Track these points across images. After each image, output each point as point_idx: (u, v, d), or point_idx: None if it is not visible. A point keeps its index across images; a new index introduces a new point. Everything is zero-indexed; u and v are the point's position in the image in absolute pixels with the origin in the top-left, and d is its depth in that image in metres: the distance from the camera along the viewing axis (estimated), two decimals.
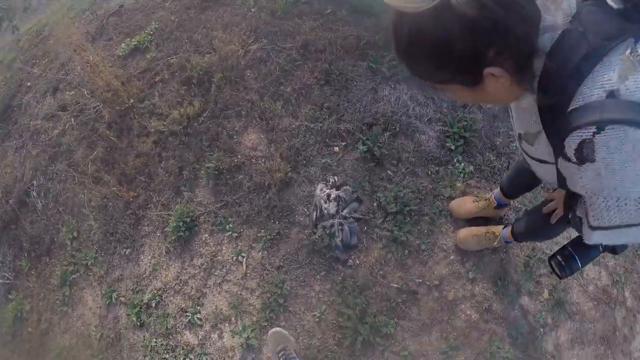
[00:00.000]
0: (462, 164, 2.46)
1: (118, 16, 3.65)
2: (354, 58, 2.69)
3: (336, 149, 2.42)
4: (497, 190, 1.92)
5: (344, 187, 2.26)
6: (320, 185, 2.25)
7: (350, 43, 2.72)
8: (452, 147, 2.51)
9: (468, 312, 2.22)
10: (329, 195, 2.20)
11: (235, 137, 2.57)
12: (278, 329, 2.09)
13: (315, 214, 2.16)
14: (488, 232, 1.96)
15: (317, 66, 2.65)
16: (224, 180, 2.47)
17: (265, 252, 2.28)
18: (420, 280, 2.27)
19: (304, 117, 2.48)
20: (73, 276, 2.59)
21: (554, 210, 1.32)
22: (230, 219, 2.39)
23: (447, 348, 2.12)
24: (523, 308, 2.19)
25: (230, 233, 2.36)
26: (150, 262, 2.55)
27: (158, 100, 2.96)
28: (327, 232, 2.17)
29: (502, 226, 1.90)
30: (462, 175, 2.39)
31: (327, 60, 2.65)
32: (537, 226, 1.53)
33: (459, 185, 2.41)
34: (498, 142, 2.50)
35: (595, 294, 2.20)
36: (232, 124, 2.62)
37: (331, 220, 2.14)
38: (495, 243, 1.90)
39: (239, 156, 2.48)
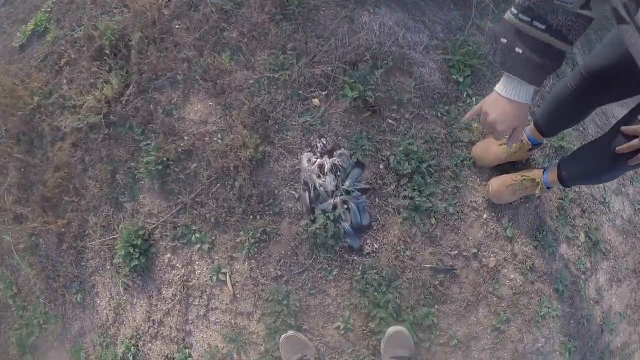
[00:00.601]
0: (474, 99, 1.91)
1: (9, 4, 2.78)
2: None
3: (315, 100, 1.76)
4: (529, 127, 1.57)
5: (339, 152, 1.63)
6: (306, 155, 1.62)
7: None
8: (460, 79, 1.93)
9: (512, 276, 1.76)
10: (321, 167, 1.58)
11: (174, 112, 1.85)
12: (292, 332, 1.57)
13: (307, 195, 1.54)
14: (525, 179, 1.57)
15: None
16: (173, 175, 1.78)
17: (253, 262, 1.65)
18: (456, 252, 1.74)
19: (263, 67, 1.79)
20: (30, 340, 2.05)
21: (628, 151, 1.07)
22: (194, 227, 1.72)
23: (498, 323, 1.72)
24: (564, 257, 1.83)
25: (199, 245, 1.71)
26: (109, 306, 1.90)
27: (67, 88, 2.18)
28: (329, 216, 1.56)
29: (541, 170, 1.57)
30: None
31: None
32: (595, 168, 1.27)
33: (475, 125, 1.85)
34: None
35: (622, 227, 2.02)
36: (167, 95, 1.90)
37: (331, 200, 1.53)
38: (536, 191, 1.56)
39: (186, 137, 1.78)
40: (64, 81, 2.22)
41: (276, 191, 1.65)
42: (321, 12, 1.96)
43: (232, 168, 1.65)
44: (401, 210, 1.67)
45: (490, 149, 1.66)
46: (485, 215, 1.80)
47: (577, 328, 1.85)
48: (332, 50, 1.87)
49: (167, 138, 1.82)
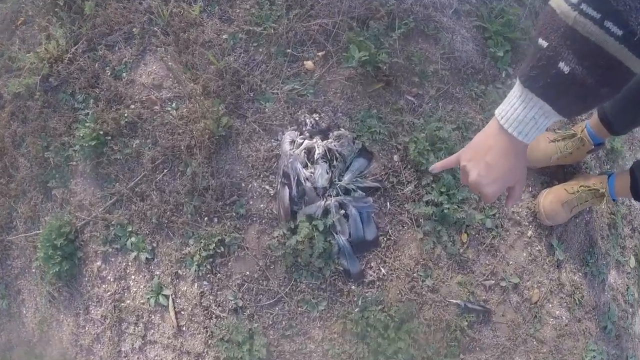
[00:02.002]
0: (515, 80, 1.37)
1: None
2: None
3: (309, 63, 1.25)
4: (591, 122, 1.19)
5: (337, 133, 1.11)
6: (289, 135, 1.10)
7: None
8: (499, 54, 1.43)
9: (557, 312, 1.29)
10: (310, 152, 1.07)
11: (124, 74, 1.36)
12: None
13: (287, 192, 1.02)
14: (584, 189, 1.17)
15: None
16: (111, 154, 1.27)
17: (205, 284, 1.13)
18: (493, 282, 1.22)
19: (243, 19, 1.29)
20: None
21: None
22: (130, 228, 1.21)
23: None
24: (613, 287, 1.41)
25: (135, 254, 1.20)
26: (35, 319, 1.45)
27: (18, 49, 1.75)
28: (318, 225, 1.05)
29: (603, 177, 1.19)
30: None
31: None
32: None
33: None
34: None
35: None
36: (119, 54, 1.40)
37: (322, 201, 1.01)
38: (602, 204, 1.25)
39: (132, 106, 1.28)
40: (17, 41, 1.79)
41: (243, 184, 1.13)
42: None
43: (184, 148, 1.13)
44: (422, 221, 1.14)
45: (539, 146, 1.23)
46: (530, 233, 1.28)
47: None
48: (335, 2, 1.36)
49: (110, 106, 1.33)
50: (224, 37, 1.26)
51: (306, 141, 1.04)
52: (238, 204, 1.11)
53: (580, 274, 1.32)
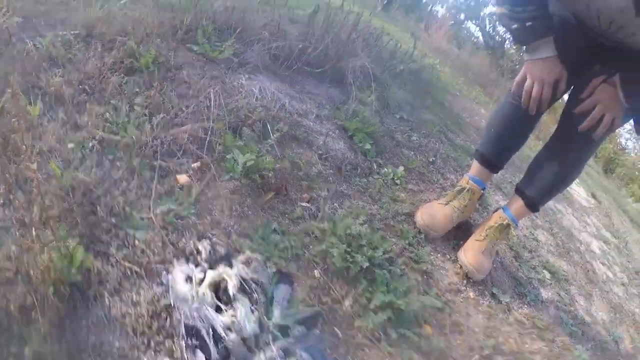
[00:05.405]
0: (386, 169, 1.49)
1: None
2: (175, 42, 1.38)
3: (183, 177, 0.99)
4: (471, 172, 1.34)
5: (243, 257, 0.85)
6: (180, 271, 0.77)
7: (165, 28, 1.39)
8: (367, 147, 1.53)
9: (535, 346, 1.20)
10: (217, 288, 0.75)
11: None
12: None
13: (203, 357, 0.66)
14: (491, 230, 1.25)
15: (115, 49, 1.20)
16: None
17: None
18: (477, 356, 1.05)
19: (94, 125, 0.97)
20: None
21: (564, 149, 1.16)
22: None
23: None
24: (551, 300, 1.44)
25: None
26: None
27: None
28: None
29: (498, 211, 1.31)
30: (397, 182, 1.47)
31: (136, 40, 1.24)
32: (563, 168, 1.18)
33: (403, 196, 1.38)
34: (399, 136, 1.74)
35: (559, 252, 1.86)
36: None
37: (259, 356, 0.69)
38: (511, 233, 1.35)
39: None
40: None
41: None
42: (184, 72, 1.31)
43: (15, 311, 0.66)
44: (379, 333, 0.92)
45: (436, 213, 1.29)
46: (472, 294, 1.23)
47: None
48: (203, 110, 1.19)
49: None
50: (69, 145, 0.89)
51: (209, 272, 0.74)
52: None
53: (526, 306, 1.31)
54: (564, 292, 1.53)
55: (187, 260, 0.82)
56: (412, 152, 1.69)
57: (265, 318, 0.74)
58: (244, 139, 1.17)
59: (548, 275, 1.53)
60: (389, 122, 1.79)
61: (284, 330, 0.77)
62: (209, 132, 1.10)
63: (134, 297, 0.74)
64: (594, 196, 3.09)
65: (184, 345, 0.65)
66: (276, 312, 0.78)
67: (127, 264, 0.77)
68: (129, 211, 0.86)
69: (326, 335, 0.84)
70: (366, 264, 0.97)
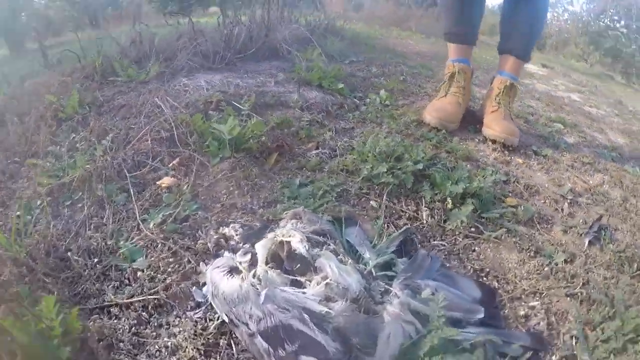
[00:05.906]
0: (370, 97, 1.42)
1: None
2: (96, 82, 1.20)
3: (166, 179, 0.77)
4: (450, 54, 1.29)
5: (291, 212, 0.62)
6: (214, 269, 0.54)
7: None
8: (340, 87, 1.44)
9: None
10: (281, 265, 0.51)
11: None
12: None
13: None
14: (499, 96, 1.22)
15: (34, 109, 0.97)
16: None
17: None
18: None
19: (38, 181, 0.73)
20: None
21: None
22: None
23: None
24: None
25: None
26: None
27: None
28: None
29: (498, 77, 1.25)
30: (387, 103, 1.38)
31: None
32: (529, 14, 1.19)
33: (400, 111, 1.31)
34: (361, 73, 1.70)
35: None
36: None
37: (389, 308, 0.44)
38: (518, 89, 1.28)
39: None
40: None
41: None
42: (118, 100, 1.10)
43: None
44: (475, 224, 0.70)
45: (443, 106, 1.22)
46: (520, 160, 1.13)
47: None
48: (154, 114, 0.97)
49: None
50: (16, 214, 0.65)
51: (257, 246, 0.51)
52: None
53: (565, 152, 1.28)
54: (581, 133, 1.53)
55: (217, 255, 0.59)
56: (382, 79, 1.66)
57: (359, 263, 0.52)
58: (215, 120, 0.96)
59: (560, 126, 1.54)
60: (344, 67, 1.73)
61: (387, 268, 0.54)
62: (173, 127, 0.88)
63: (167, 341, 0.49)
64: (544, 66, 3.27)
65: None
66: (367, 254, 0.55)
67: (137, 302, 0.53)
68: (112, 243, 0.62)
69: (435, 253, 0.62)
70: (419, 167, 0.80)
